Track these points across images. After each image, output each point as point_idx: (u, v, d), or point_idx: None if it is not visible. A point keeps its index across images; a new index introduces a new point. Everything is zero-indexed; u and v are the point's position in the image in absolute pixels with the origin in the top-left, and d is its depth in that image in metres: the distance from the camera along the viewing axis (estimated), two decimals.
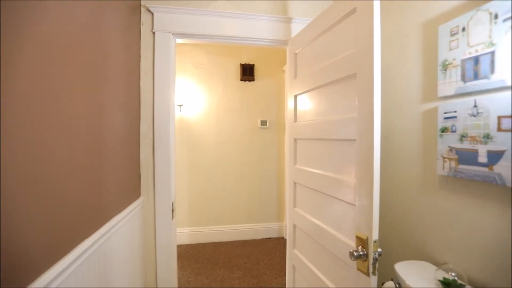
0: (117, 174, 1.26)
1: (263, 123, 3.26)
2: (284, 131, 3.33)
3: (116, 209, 1.25)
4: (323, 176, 1.39)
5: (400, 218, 1.55)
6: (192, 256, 2.83)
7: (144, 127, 1.65)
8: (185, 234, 3.11)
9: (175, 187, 1.78)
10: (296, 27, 1.85)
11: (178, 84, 3.05)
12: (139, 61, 1.62)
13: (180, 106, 3.02)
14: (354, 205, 1.11)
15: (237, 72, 3.21)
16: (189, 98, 3.08)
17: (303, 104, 1.67)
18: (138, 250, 1.53)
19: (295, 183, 1.75)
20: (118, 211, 1.27)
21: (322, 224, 1.39)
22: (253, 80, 3.22)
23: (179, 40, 1.78)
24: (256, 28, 1.79)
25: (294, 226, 1.76)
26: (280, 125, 3.33)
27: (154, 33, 1.64)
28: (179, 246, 3.04)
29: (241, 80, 3.20)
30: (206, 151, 3.14)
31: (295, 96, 1.75)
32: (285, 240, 3.24)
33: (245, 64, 3.18)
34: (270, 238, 3.32)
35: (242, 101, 3.22)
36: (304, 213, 1.62)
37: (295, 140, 1.75)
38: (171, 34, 1.67)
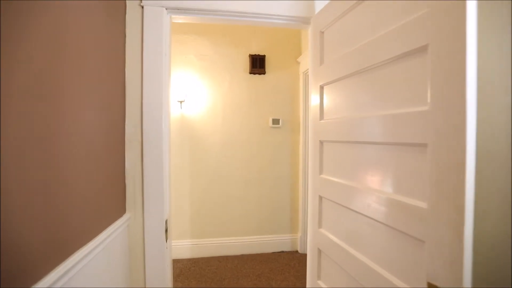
0: (88, 189, 0.94)
1: (275, 121, 2.91)
2: (299, 131, 2.98)
3: (84, 236, 0.92)
4: (363, 193, 1.03)
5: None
6: (194, 274, 2.50)
7: (130, 128, 1.32)
8: (187, 247, 2.79)
9: (169, 199, 1.45)
10: (320, 4, 1.49)
11: (180, 78, 2.73)
12: (124, 44, 1.30)
13: (181, 102, 2.70)
14: (424, 241, 0.75)
15: (246, 64, 2.87)
16: (192, 93, 2.76)
17: (332, 97, 1.32)
18: (121, 286, 1.21)
19: (320, 198, 1.40)
20: (88, 239, 0.94)
21: (363, 257, 1.04)
22: (263, 73, 2.88)
23: (176, 19, 1.46)
24: (271, 4, 1.44)
25: (319, 251, 1.41)
26: (295, 124, 2.97)
27: (142, 7, 1.31)
28: (179, 261, 2.72)
29: (250, 73, 2.86)
30: (210, 153, 2.82)
31: (321, 87, 1.40)
32: (300, 254, 2.90)
33: (255, 55, 2.84)
34: (282, 252, 2.98)
35: (251, 96, 2.88)
36: (334, 237, 1.27)
37: (321, 142, 1.40)
38: (164, 8, 1.34)
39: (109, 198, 1.15)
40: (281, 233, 3.00)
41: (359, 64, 1.09)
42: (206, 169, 2.82)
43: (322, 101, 1.40)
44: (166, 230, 1.38)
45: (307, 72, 2.83)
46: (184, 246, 2.78)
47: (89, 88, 0.96)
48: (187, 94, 2.73)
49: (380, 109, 0.97)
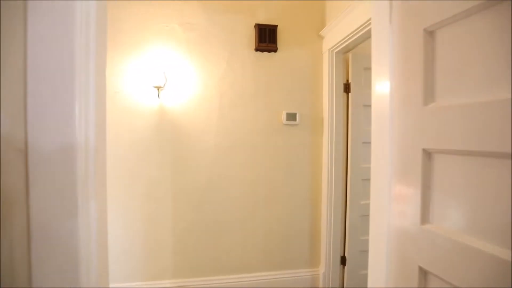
0: None
1: (291, 117, 2.17)
2: (322, 129, 2.23)
3: None
4: None
5: None
6: None
7: (7, 124, 0.58)
8: None
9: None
10: None
11: (157, 56, 1.98)
12: None
13: (158, 89, 1.95)
14: None
15: (251, 37, 2.12)
16: (175, 77, 2.01)
17: (461, 55, 0.57)
18: None
19: (425, 271, 0.66)
20: None
21: None
22: (274, 50, 2.13)
23: None
24: None
25: (423, 272, 0.67)
26: (317, 120, 2.23)
27: None
28: None
29: (257, 49, 2.12)
30: (201, 161, 2.07)
31: (431, 33, 0.65)
32: None
33: (263, 25, 2.09)
34: None
35: (258, 82, 2.13)
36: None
37: (428, 153, 0.66)
38: None
39: None
40: (297, 268, 2.26)
41: None
42: (195, 184, 2.07)
43: (432, 62, 0.65)
44: None
45: (335, 49, 2.09)
46: None
47: None
48: (167, 78, 1.98)
49: None
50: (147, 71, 1.94)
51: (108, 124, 1.91)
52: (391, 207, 0.78)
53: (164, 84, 1.96)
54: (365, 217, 2.20)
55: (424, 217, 0.66)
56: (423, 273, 0.67)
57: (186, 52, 2.03)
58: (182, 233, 2.06)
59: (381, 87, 0.84)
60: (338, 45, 2.05)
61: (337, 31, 2.02)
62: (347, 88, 2.17)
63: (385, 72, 0.81)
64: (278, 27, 2.12)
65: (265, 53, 2.14)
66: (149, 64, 1.95)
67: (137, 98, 1.96)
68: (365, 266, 2.53)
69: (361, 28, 1.78)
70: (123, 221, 1.97)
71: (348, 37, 1.92)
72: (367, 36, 1.87)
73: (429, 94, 0.65)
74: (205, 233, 2.09)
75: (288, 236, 2.23)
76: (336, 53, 2.13)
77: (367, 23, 1.71)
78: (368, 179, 2.54)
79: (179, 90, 2.02)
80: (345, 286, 2.19)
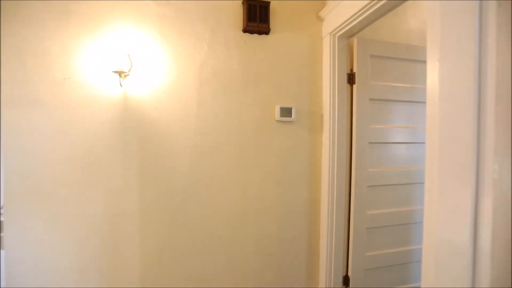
0: None
1: (285, 112, 1.83)
2: (321, 127, 1.92)
3: None
4: None
5: None
6: None
7: None
8: None
9: None
10: None
11: (121, 35, 1.58)
12: None
13: (120, 74, 1.55)
14: None
15: (238, 15, 1.77)
16: (143, 60, 1.61)
17: None
18: None
19: None
20: None
21: None
22: (266, 31, 1.79)
23: None
24: None
25: None
26: (316, 117, 1.92)
27: None
28: None
29: (245, 30, 1.77)
30: (176, 166, 1.68)
31: None
32: None
33: (254, 0, 1.74)
34: None
35: (247, 70, 1.78)
36: None
37: None
38: None
39: None
40: (292, 285, 1.92)
41: None
42: (169, 195, 1.68)
43: None
44: None
45: (337, 32, 1.78)
46: None
47: None
48: (133, 62, 1.59)
49: None
50: (106, 52, 1.54)
51: (52, 119, 1.48)
52: None
53: (129, 70, 1.57)
54: (372, 229, 1.90)
55: None
56: None
57: (158, 30, 1.65)
58: (153, 259, 1.67)
59: None
60: (341, 27, 1.73)
61: (340, 11, 1.71)
62: (351, 78, 1.87)
63: None
64: (270, 4, 1.78)
65: (255, 35, 1.79)
66: (109, 43, 1.55)
67: (94, 86, 1.55)
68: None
69: (368, 7, 1.48)
70: (73, 248, 1.54)
71: (352, 18, 1.61)
72: (375, 16, 1.57)
73: None
74: (182, 256, 1.71)
75: (282, 254, 1.89)
76: (339, 37, 1.82)
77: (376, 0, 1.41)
78: (376, 186, 2.14)
79: (148, 77, 1.63)
80: None
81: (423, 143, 2.11)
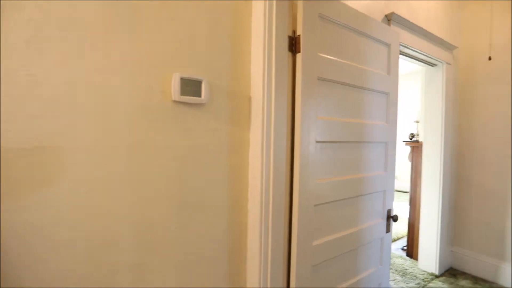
0: None
1: (190, 87, 1.07)
2: (249, 116, 1.24)
3: None
4: None
5: None
6: None
7: None
8: None
9: None
10: None
11: None
12: None
13: None
14: None
15: None
16: None
17: None
18: None
19: None
20: None
21: None
22: None
23: None
24: None
25: None
26: (242, 99, 1.21)
27: None
28: None
29: None
30: None
31: None
32: None
33: None
34: None
35: (120, 10, 0.92)
36: None
37: None
38: None
39: None
40: None
41: None
42: None
43: None
44: None
45: None
46: None
47: None
48: None
49: None
50: None
51: None
52: None
53: None
54: (322, 265, 1.34)
55: None
56: None
57: None
58: None
59: None
60: None
61: None
62: (294, 44, 1.24)
63: None
64: None
65: None
66: None
67: None
68: None
69: None
70: None
71: None
72: None
73: None
74: None
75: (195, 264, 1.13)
76: None
77: None
78: (325, 203, 1.45)
79: None
80: None
81: (382, 142, 1.60)
